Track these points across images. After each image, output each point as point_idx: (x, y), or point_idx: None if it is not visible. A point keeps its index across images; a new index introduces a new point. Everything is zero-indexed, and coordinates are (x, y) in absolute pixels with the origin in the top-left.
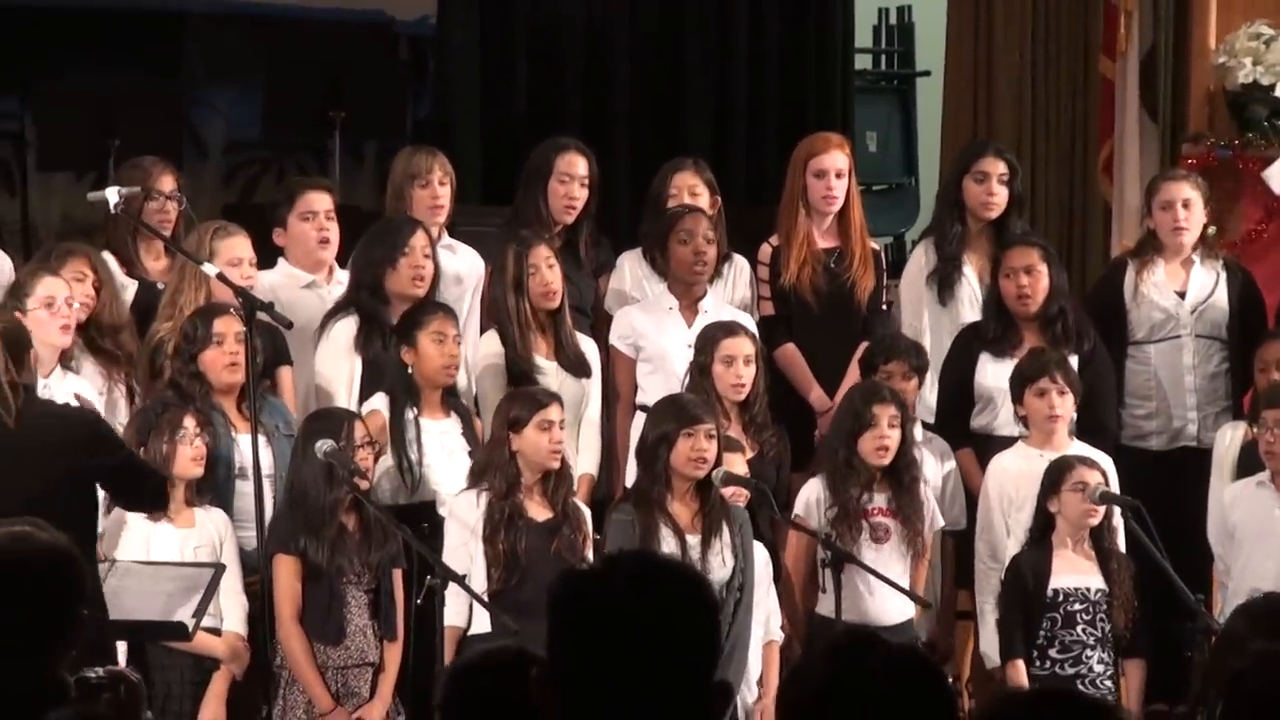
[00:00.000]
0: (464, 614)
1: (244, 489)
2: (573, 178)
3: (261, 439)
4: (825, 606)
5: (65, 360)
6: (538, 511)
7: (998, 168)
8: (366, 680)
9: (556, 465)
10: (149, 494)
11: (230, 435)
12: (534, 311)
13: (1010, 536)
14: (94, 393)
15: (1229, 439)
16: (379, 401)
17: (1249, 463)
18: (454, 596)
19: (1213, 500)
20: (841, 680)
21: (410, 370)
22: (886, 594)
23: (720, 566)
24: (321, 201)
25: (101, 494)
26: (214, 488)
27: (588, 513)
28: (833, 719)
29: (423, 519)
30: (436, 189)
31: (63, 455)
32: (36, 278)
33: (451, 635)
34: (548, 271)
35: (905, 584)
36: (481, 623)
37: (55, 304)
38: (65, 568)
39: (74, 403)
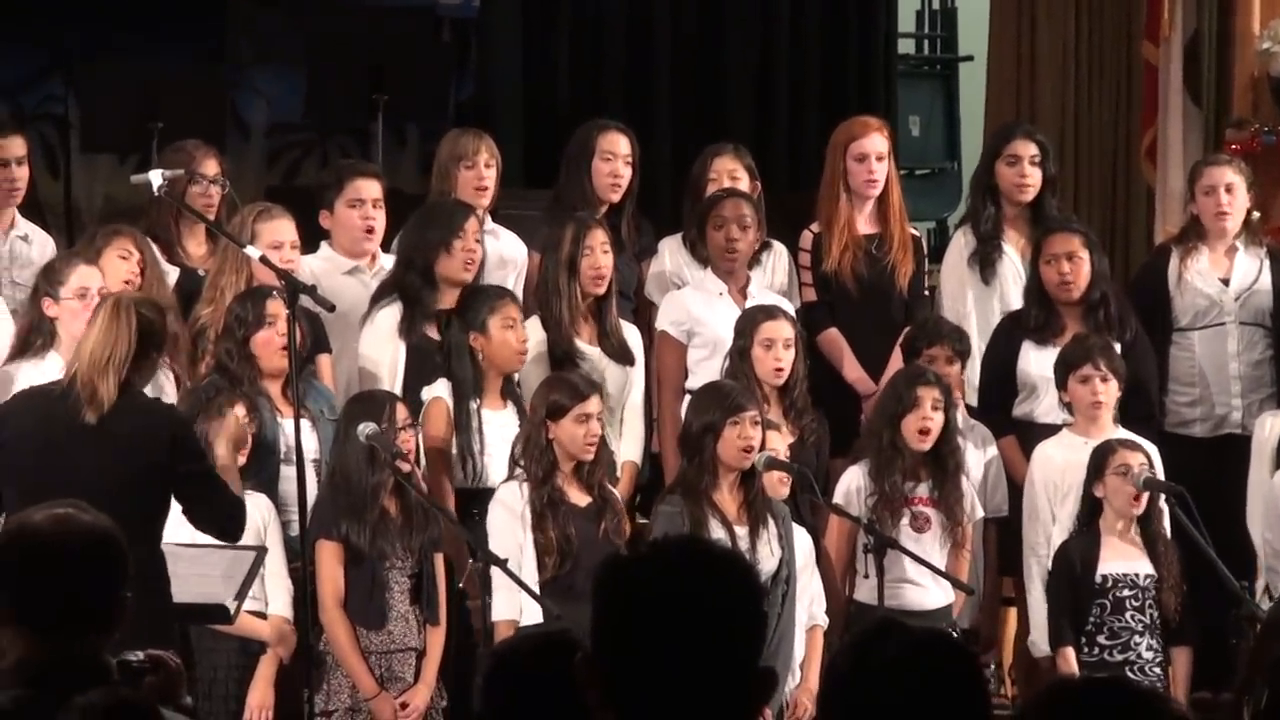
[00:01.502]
0: (515, 606)
1: (289, 473)
2: (616, 156)
3: (306, 424)
4: (866, 593)
5: None
6: (578, 497)
7: (1029, 150)
8: (410, 665)
9: (590, 456)
10: (225, 516)
11: (276, 419)
12: (583, 294)
13: (1056, 525)
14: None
15: (1269, 427)
16: (443, 389)
17: None
18: (502, 590)
19: (1253, 488)
20: (861, 667)
21: (480, 356)
22: (927, 581)
23: (768, 557)
24: (370, 189)
25: None
26: (258, 473)
27: (620, 497)
28: (854, 707)
29: (476, 506)
30: (482, 171)
31: (144, 449)
32: (72, 266)
33: (504, 630)
34: (601, 255)
35: (945, 570)
36: (534, 614)
37: (89, 295)
38: (106, 550)
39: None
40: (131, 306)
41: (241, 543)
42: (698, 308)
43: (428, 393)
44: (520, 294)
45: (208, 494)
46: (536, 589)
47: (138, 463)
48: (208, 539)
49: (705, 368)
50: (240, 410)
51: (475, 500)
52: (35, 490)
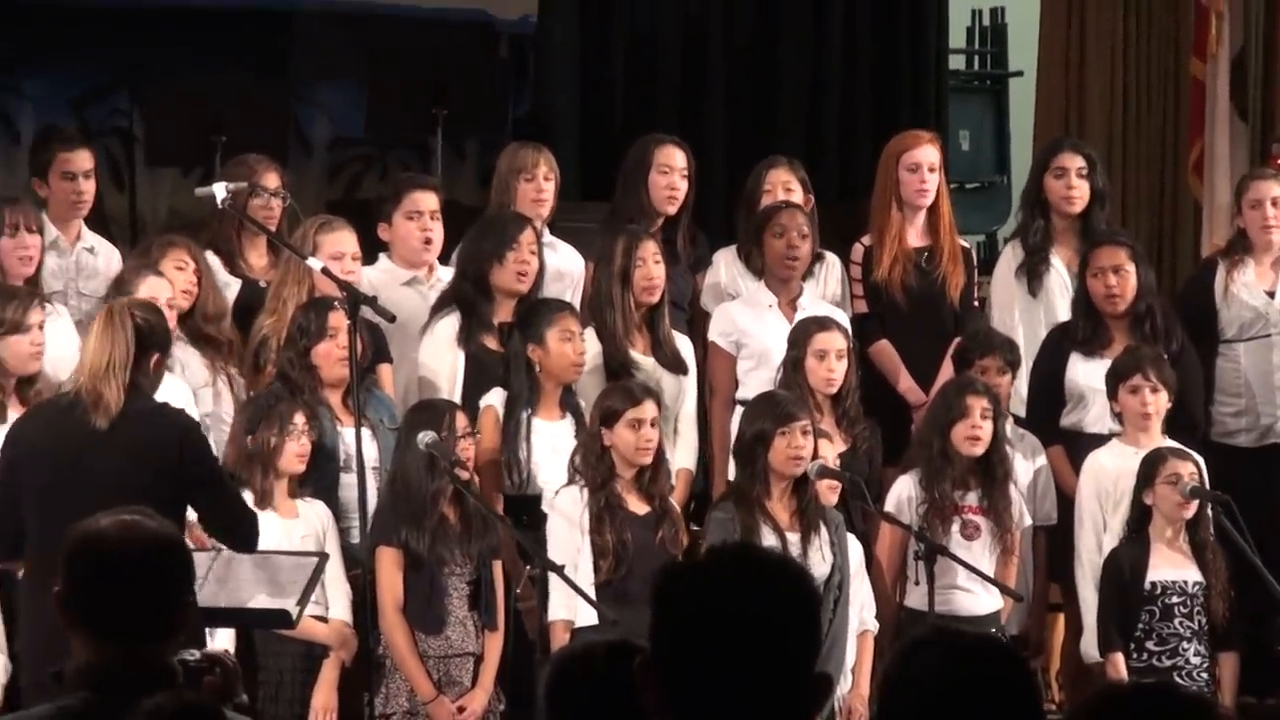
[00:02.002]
0: (571, 608)
1: (348, 481)
2: (673, 169)
3: (366, 432)
4: (917, 599)
5: None
6: (637, 505)
7: (1075, 162)
8: (468, 670)
9: (647, 461)
10: (236, 522)
11: (335, 428)
12: (635, 306)
13: (1108, 532)
14: (188, 396)
15: None
16: (496, 397)
17: None
18: (558, 591)
19: None
20: (915, 674)
21: (537, 368)
22: (976, 587)
23: (820, 563)
24: (428, 201)
25: None
26: (318, 480)
27: (678, 508)
28: (909, 712)
29: (524, 512)
30: (541, 183)
31: (155, 454)
32: (140, 276)
33: (560, 629)
34: (654, 266)
35: (994, 577)
36: (588, 615)
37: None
38: (173, 555)
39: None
40: (126, 310)
41: (303, 549)
42: (745, 320)
43: (482, 402)
44: (577, 305)
45: (218, 499)
46: (592, 592)
47: (149, 468)
48: (270, 546)
49: (753, 378)
50: (300, 418)
51: (523, 506)
52: (52, 501)
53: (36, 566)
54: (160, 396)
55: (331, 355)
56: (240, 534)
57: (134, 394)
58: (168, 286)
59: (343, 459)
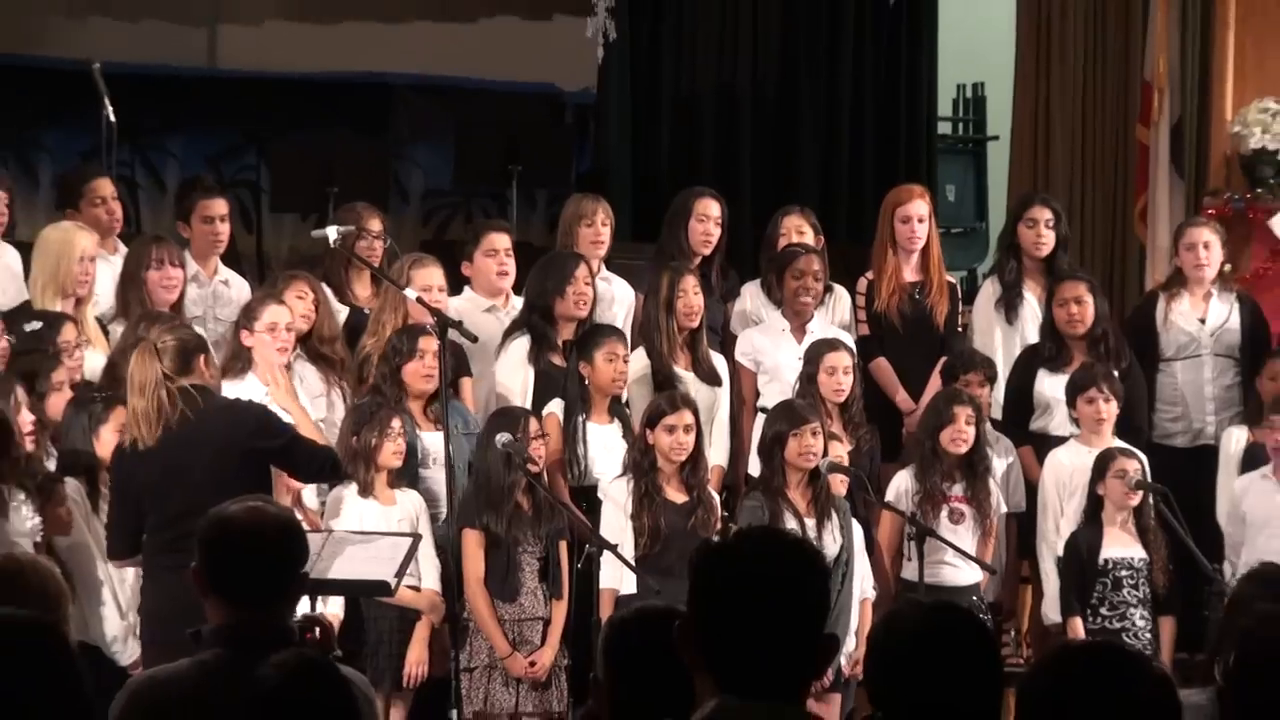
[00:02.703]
0: (619, 578)
1: (425, 475)
2: (709, 218)
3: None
4: (910, 572)
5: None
6: (675, 495)
7: (1045, 215)
8: (538, 631)
9: (681, 459)
10: (320, 465)
11: (416, 432)
12: (679, 329)
13: (1064, 517)
14: (306, 403)
15: (1234, 439)
16: (556, 406)
17: (1251, 459)
18: (609, 565)
19: (1221, 489)
20: (888, 632)
21: (586, 381)
22: (960, 562)
23: (831, 543)
24: (502, 241)
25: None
26: (405, 474)
27: (717, 499)
28: (885, 659)
29: (581, 500)
30: (599, 229)
31: (236, 439)
32: (265, 305)
33: (609, 596)
34: (693, 296)
35: (974, 555)
36: (630, 585)
37: (277, 329)
38: (291, 534)
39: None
40: (149, 343)
41: (400, 531)
42: (762, 343)
43: (546, 410)
44: (630, 327)
45: (300, 457)
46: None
47: (235, 451)
48: (374, 528)
49: (769, 389)
50: (397, 422)
51: (580, 495)
52: (164, 498)
53: (152, 550)
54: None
55: (418, 373)
56: (328, 473)
57: (204, 395)
58: (287, 312)
59: (420, 456)
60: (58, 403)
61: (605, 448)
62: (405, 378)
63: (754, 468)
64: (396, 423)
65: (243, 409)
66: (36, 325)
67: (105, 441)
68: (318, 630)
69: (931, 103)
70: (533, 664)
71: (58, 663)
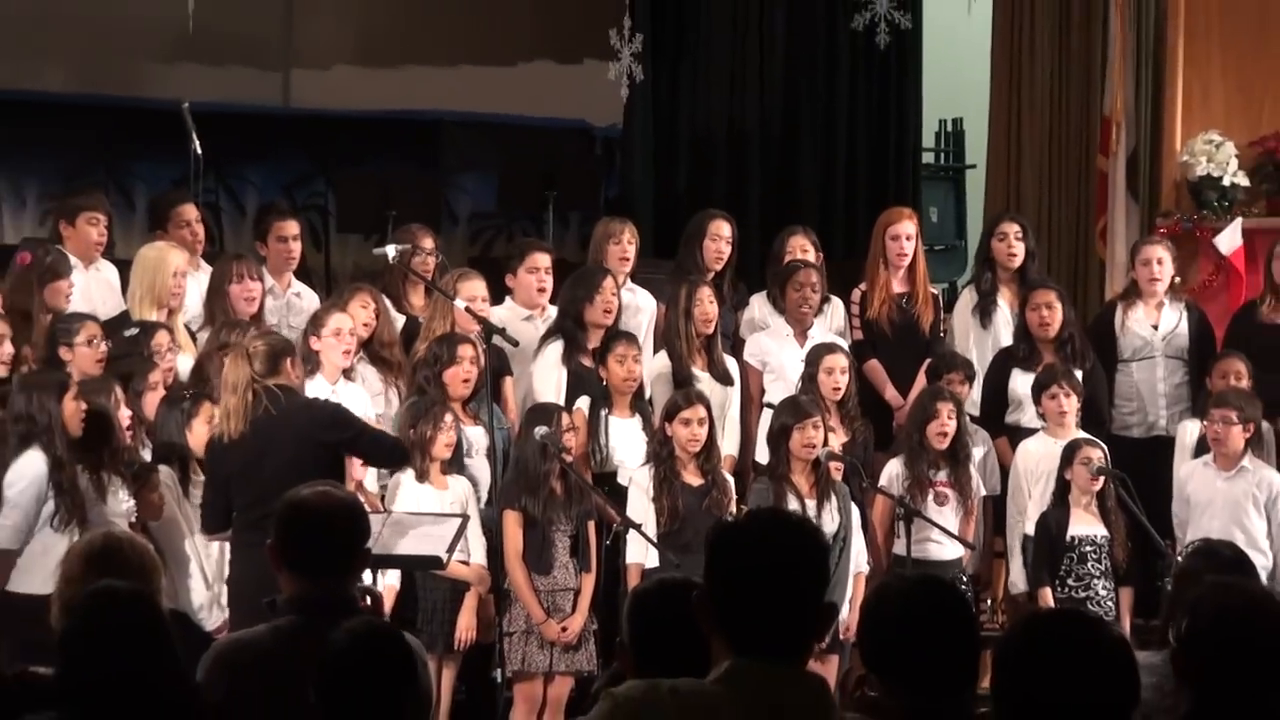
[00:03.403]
0: (643, 554)
1: (465, 463)
2: (721, 237)
3: (481, 429)
4: (899, 548)
5: (347, 374)
6: (692, 478)
7: (1013, 228)
8: (569, 600)
9: (695, 449)
10: (388, 453)
11: (460, 426)
12: (696, 334)
13: (1031, 499)
14: (367, 399)
15: (1187, 431)
16: (583, 402)
17: (1204, 448)
18: (634, 542)
19: (1175, 474)
20: (879, 600)
21: (605, 381)
22: (944, 540)
23: (830, 522)
24: (544, 260)
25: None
26: (455, 462)
27: (731, 482)
28: (877, 625)
29: (603, 485)
30: (626, 247)
31: (313, 432)
32: (330, 314)
33: (635, 569)
34: (709, 306)
35: (957, 533)
36: (653, 559)
37: (341, 334)
38: (356, 514)
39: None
40: (242, 348)
41: (451, 512)
42: (768, 345)
43: (575, 405)
44: (653, 335)
45: (370, 446)
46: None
47: (312, 442)
48: (428, 510)
49: (774, 387)
50: (449, 417)
51: (602, 481)
52: (249, 482)
53: (239, 528)
54: (349, 397)
55: (457, 376)
56: (395, 459)
57: (287, 394)
58: (349, 320)
59: (465, 448)
60: (152, 400)
61: (626, 439)
62: (446, 380)
63: (761, 455)
64: (449, 417)
65: (319, 407)
66: (134, 331)
67: (196, 433)
68: (369, 599)
69: (917, 135)
70: (565, 629)
71: (153, 627)
